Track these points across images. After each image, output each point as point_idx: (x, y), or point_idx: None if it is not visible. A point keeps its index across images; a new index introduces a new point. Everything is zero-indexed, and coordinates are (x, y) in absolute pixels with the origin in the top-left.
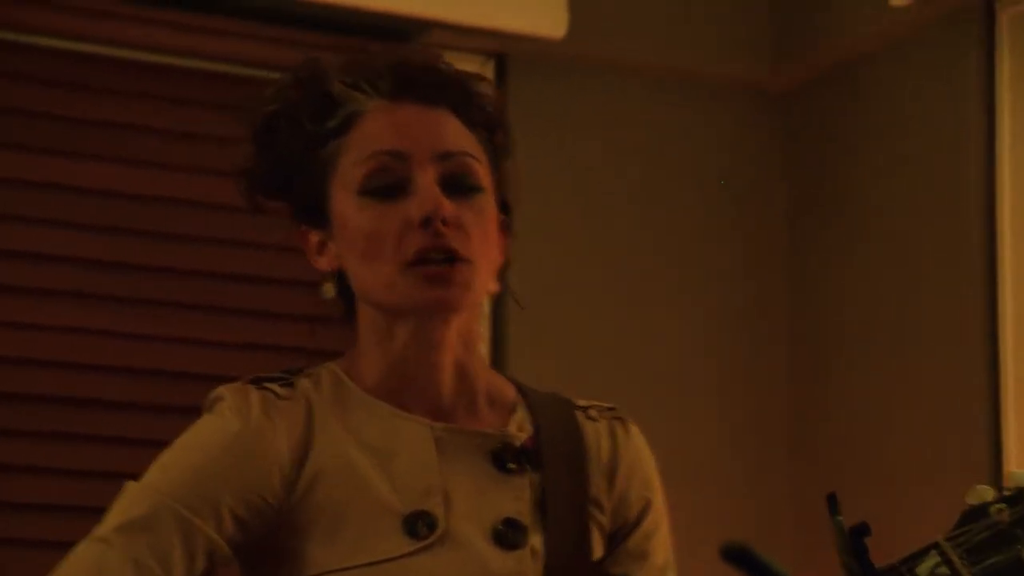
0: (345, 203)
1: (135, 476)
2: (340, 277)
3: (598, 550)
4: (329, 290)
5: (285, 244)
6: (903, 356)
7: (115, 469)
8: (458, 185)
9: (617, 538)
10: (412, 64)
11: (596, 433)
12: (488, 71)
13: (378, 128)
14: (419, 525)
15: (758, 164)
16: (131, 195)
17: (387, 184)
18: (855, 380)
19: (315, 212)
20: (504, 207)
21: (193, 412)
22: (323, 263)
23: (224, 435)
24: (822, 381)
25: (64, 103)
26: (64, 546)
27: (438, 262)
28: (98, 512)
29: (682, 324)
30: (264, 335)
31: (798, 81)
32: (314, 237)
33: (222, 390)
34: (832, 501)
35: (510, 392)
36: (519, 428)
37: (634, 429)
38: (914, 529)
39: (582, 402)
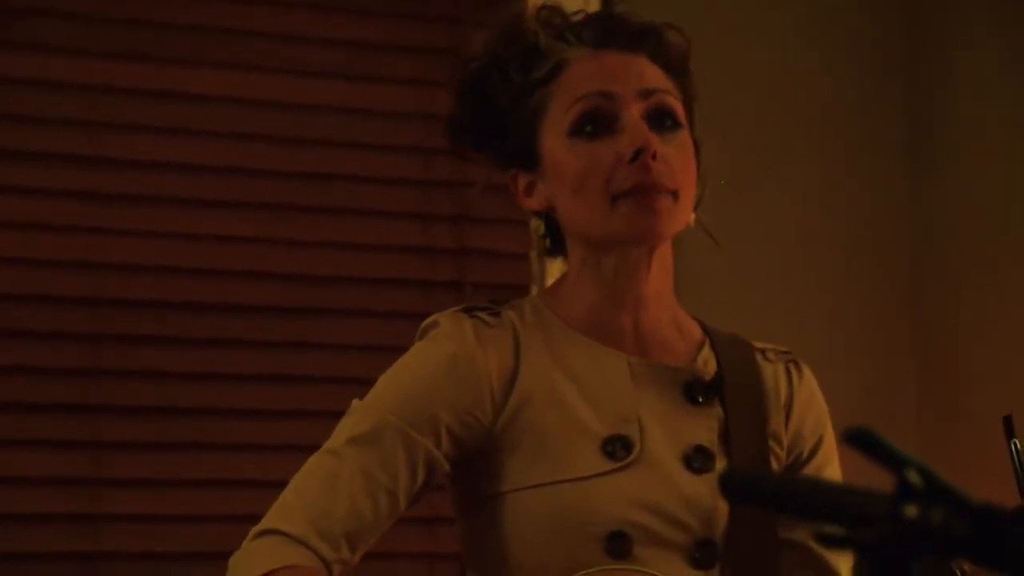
0: (555, 146)
1: (261, 377)
2: (549, 217)
3: None
4: (539, 228)
5: (411, 144)
6: None
7: (238, 371)
8: (661, 121)
9: (792, 470)
10: (611, 15)
11: (774, 373)
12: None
13: (585, 73)
14: (616, 447)
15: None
16: (249, 101)
17: (596, 123)
18: (983, 294)
19: (524, 156)
20: (695, 147)
21: (317, 314)
22: (532, 203)
23: (441, 358)
24: (950, 298)
25: (178, 9)
26: (188, 447)
27: (647, 193)
28: (213, 412)
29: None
30: (390, 236)
31: None
32: (523, 180)
33: (436, 317)
34: (1008, 424)
35: (696, 329)
36: (705, 364)
37: (807, 371)
38: None
39: (759, 344)
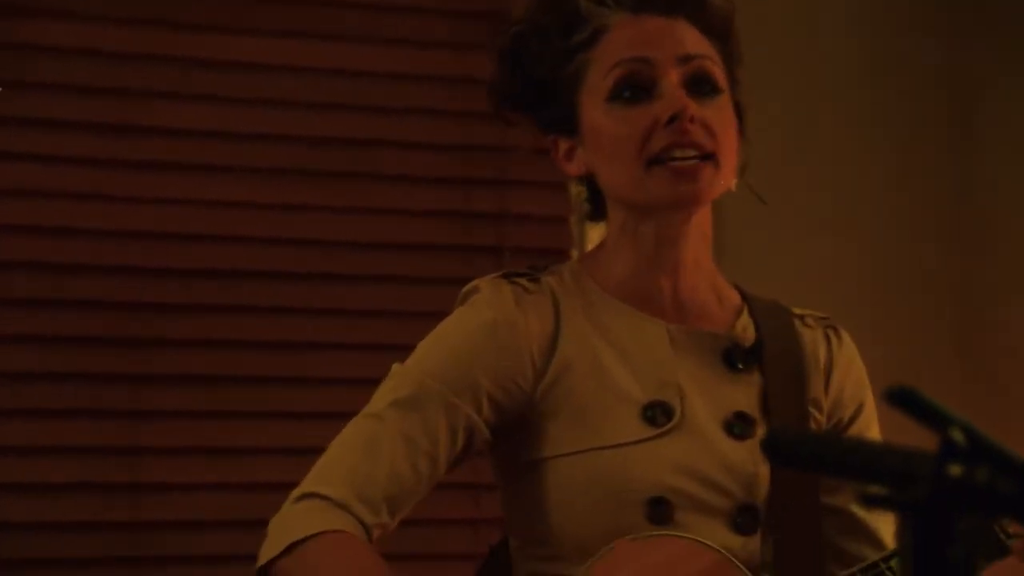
0: (594, 111)
1: (299, 344)
2: (590, 182)
3: None
4: (581, 193)
5: (450, 108)
6: None
7: (277, 339)
8: (700, 86)
9: None
10: None
11: (813, 339)
12: None
13: (624, 39)
14: (657, 413)
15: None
16: (282, 66)
17: (634, 89)
18: None
19: (564, 122)
20: (738, 111)
21: (355, 280)
22: (572, 168)
23: (482, 324)
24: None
25: None
26: (227, 415)
27: (684, 158)
28: (252, 380)
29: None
30: (428, 200)
31: None
32: (563, 145)
33: (477, 283)
34: None
35: (735, 295)
36: (744, 330)
37: (846, 337)
38: None
39: (798, 310)
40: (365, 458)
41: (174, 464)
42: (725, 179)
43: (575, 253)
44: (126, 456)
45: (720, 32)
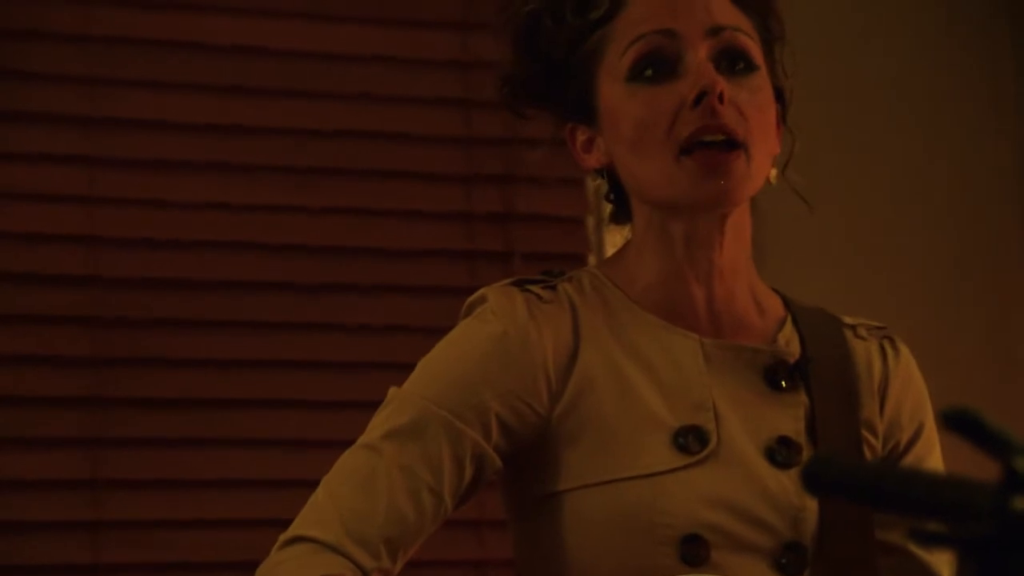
0: (613, 93)
1: (276, 362)
2: (611, 176)
3: None
4: (601, 188)
5: (450, 96)
6: None
7: (259, 357)
8: (732, 62)
9: (888, 462)
10: None
11: (867, 352)
12: None
13: (644, 10)
14: (689, 439)
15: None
16: (264, 50)
17: (656, 66)
18: None
19: (582, 109)
20: (779, 96)
21: (347, 290)
22: (591, 161)
23: (488, 338)
24: None
25: None
26: (205, 443)
27: (715, 145)
28: (233, 404)
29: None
30: (428, 200)
31: None
32: (581, 135)
33: (484, 291)
34: None
35: (777, 304)
36: (787, 343)
37: (904, 349)
38: None
39: (849, 320)
40: (360, 495)
41: (138, 498)
42: (759, 171)
43: (593, 258)
44: (85, 490)
45: (757, 7)
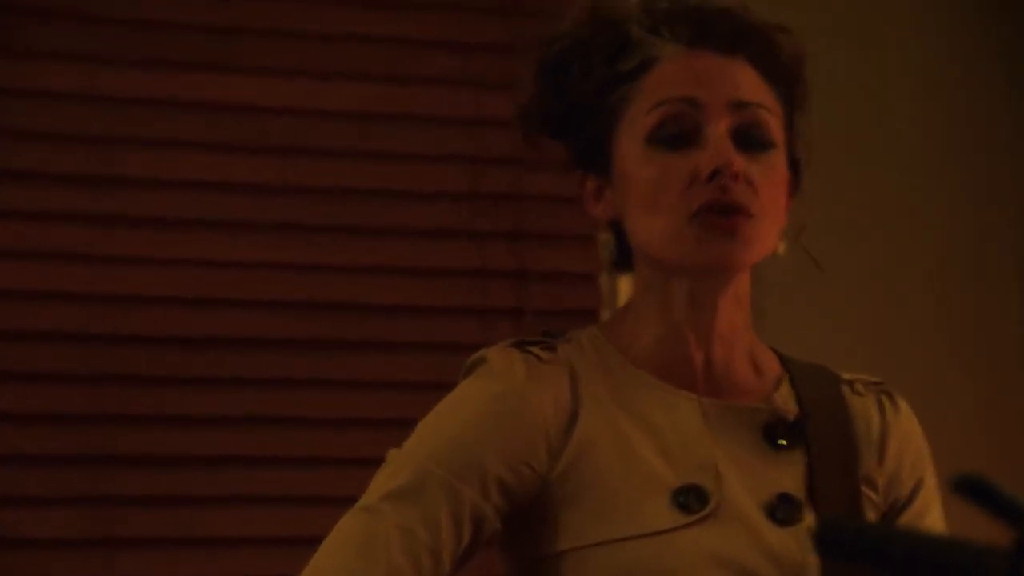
0: (630, 151)
1: (284, 420)
2: (617, 230)
3: None
4: (607, 240)
5: (459, 152)
6: None
7: (261, 413)
8: (750, 139)
9: (889, 517)
10: (712, 11)
11: (864, 408)
12: None
13: (674, 74)
14: (690, 499)
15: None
16: (272, 108)
17: (677, 133)
18: None
19: (596, 157)
20: (794, 165)
21: (355, 348)
22: (598, 211)
23: (488, 398)
24: None
25: (189, 10)
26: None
27: (724, 213)
28: (239, 462)
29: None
30: (438, 257)
31: None
32: (592, 183)
33: (484, 352)
34: None
35: (774, 362)
36: (784, 402)
37: (903, 404)
38: None
39: (847, 375)
40: (359, 558)
41: (142, 557)
42: (765, 241)
43: (606, 313)
44: (92, 548)
45: (784, 77)
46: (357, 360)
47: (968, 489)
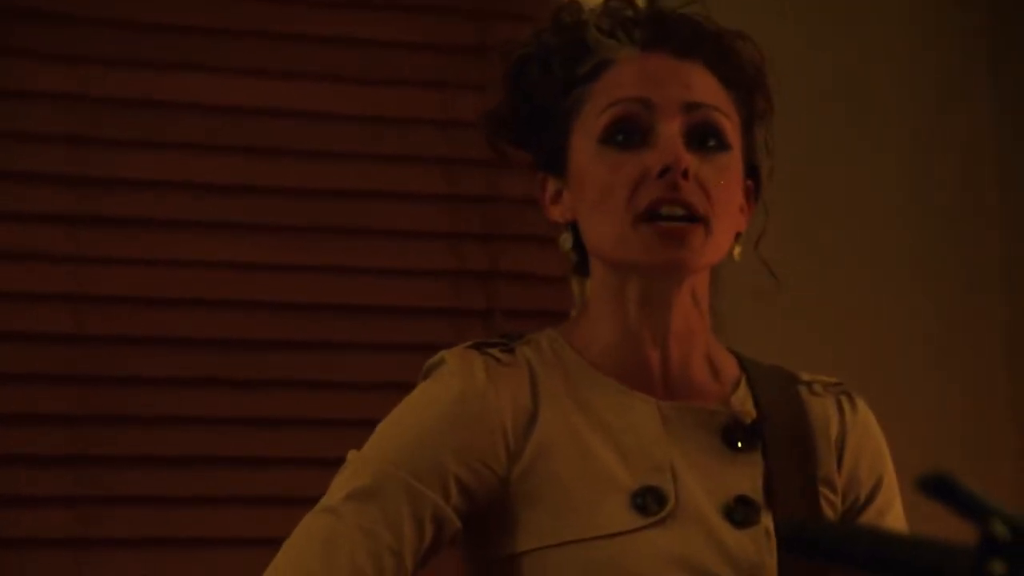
0: (583, 151)
1: (262, 420)
2: (575, 231)
3: None
4: (565, 241)
5: (433, 155)
6: None
7: (253, 415)
8: (702, 139)
9: (848, 517)
10: (670, 15)
11: (823, 409)
12: None
13: (627, 76)
14: (648, 500)
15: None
16: (248, 109)
17: (628, 133)
18: None
19: (555, 160)
20: (753, 172)
21: (329, 348)
22: (556, 213)
23: (446, 399)
24: None
25: (173, 9)
26: (184, 501)
27: (673, 218)
28: (214, 462)
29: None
30: (410, 258)
31: None
32: (551, 185)
33: (443, 355)
34: None
35: (732, 364)
36: (741, 404)
37: (861, 403)
38: None
39: (805, 376)
40: (321, 560)
41: (121, 555)
42: (719, 246)
43: (575, 314)
44: (70, 548)
45: (743, 83)
46: (329, 360)
47: (933, 487)
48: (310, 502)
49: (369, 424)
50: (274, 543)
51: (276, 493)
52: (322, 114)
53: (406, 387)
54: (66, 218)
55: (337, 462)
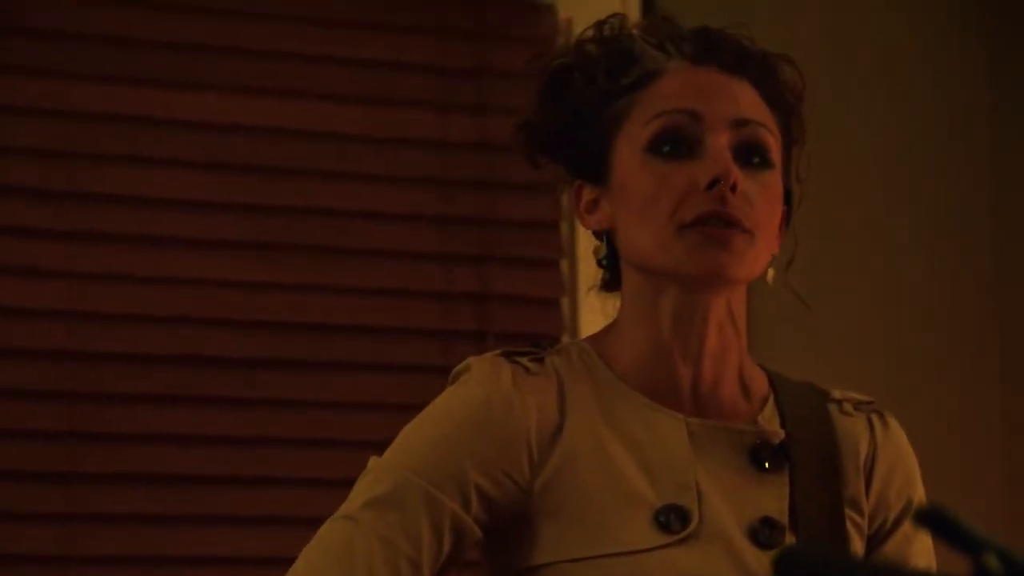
0: (629, 160)
1: (260, 440)
2: (610, 241)
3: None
4: (600, 250)
5: (427, 175)
6: None
7: (244, 434)
8: (750, 156)
9: (876, 540)
10: (718, 32)
11: (853, 429)
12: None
13: (675, 87)
14: (671, 518)
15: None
16: (239, 127)
17: (675, 143)
18: None
19: (594, 168)
20: (787, 197)
21: (320, 368)
22: (592, 222)
23: (470, 407)
24: None
25: (163, 26)
26: (178, 520)
27: (719, 225)
28: (205, 481)
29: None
30: (402, 279)
31: None
32: (588, 194)
33: (470, 361)
34: None
35: (762, 381)
36: (769, 422)
37: (893, 423)
38: None
39: (837, 394)
40: (339, 567)
41: (113, 575)
42: (759, 258)
43: (566, 338)
44: (59, 565)
45: (785, 105)
46: (321, 380)
47: (930, 521)
48: (300, 521)
49: (360, 445)
50: (264, 562)
51: (266, 512)
52: (316, 133)
53: (397, 408)
54: (57, 234)
55: (324, 482)
